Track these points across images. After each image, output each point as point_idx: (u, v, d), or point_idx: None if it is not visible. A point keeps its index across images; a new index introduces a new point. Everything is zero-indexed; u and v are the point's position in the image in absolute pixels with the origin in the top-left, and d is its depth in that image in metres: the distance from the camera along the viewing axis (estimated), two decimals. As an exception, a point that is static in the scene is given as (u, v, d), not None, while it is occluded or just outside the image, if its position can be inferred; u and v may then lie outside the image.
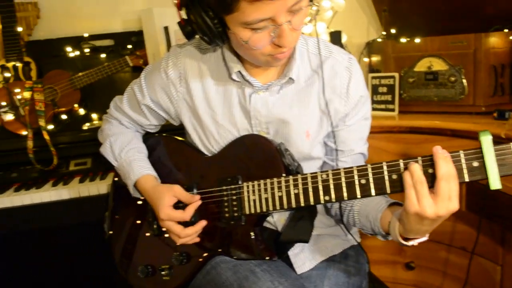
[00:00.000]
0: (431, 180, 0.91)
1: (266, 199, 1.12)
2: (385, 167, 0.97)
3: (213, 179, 1.23)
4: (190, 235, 1.21)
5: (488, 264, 1.80)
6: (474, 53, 1.90)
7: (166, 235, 1.29)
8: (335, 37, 2.24)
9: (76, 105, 2.16)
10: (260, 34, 1.00)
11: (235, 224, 1.18)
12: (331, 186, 1.03)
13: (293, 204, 1.08)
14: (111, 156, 1.37)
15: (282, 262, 1.22)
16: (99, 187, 1.88)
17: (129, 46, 2.34)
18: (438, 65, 2.00)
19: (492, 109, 1.87)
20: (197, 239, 1.23)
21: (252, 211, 1.15)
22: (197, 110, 1.26)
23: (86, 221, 1.82)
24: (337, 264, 1.30)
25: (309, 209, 1.20)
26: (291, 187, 1.08)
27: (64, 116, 2.14)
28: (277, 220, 1.28)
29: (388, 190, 0.97)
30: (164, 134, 1.44)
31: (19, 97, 2.06)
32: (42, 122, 1.99)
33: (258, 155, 1.18)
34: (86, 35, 2.34)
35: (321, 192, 1.05)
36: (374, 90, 2.19)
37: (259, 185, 1.14)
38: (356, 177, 1.00)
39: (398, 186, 0.96)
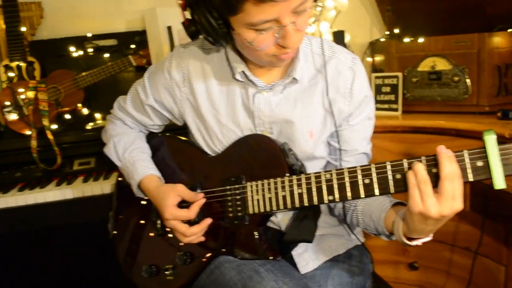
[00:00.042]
0: (435, 179, 0.91)
1: (270, 199, 1.12)
2: (388, 167, 0.97)
3: (216, 179, 1.23)
4: (195, 234, 1.21)
5: (491, 264, 1.80)
6: (478, 53, 1.90)
7: (170, 235, 1.29)
8: (338, 37, 2.24)
9: (79, 105, 2.17)
10: (264, 35, 1.00)
11: (238, 224, 1.18)
12: (335, 186, 1.03)
13: (297, 204, 1.08)
14: (115, 156, 1.37)
15: (285, 262, 1.22)
16: (103, 186, 1.89)
17: (133, 46, 2.35)
18: (442, 65, 2.00)
19: (496, 109, 1.86)
20: (202, 238, 1.23)
21: (256, 211, 1.15)
22: (201, 110, 1.26)
23: (89, 221, 1.82)
24: (340, 264, 1.29)
25: (313, 209, 1.20)
26: (295, 187, 1.08)
27: (67, 116, 2.15)
28: (281, 220, 1.28)
29: (392, 190, 0.97)
30: (167, 134, 1.44)
31: (23, 96, 2.07)
32: (45, 122, 1.99)
33: (262, 155, 1.18)
34: (89, 35, 2.34)
35: (324, 192, 1.05)
36: (378, 90, 2.18)
37: (262, 184, 1.14)
38: (360, 177, 1.00)
39: (402, 186, 0.95)
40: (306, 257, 1.28)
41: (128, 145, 1.36)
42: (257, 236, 1.17)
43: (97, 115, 2.18)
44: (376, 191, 0.98)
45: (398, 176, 0.96)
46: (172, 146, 1.39)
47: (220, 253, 1.22)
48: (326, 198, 1.04)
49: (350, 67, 1.23)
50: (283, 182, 1.10)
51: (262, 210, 1.14)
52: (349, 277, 1.26)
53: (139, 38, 2.36)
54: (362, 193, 1.00)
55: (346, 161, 1.28)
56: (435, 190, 0.90)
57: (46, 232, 2.07)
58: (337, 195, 1.03)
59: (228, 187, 1.20)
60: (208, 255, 1.23)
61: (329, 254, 1.31)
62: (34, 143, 1.96)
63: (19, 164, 2.01)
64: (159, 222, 1.30)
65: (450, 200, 0.88)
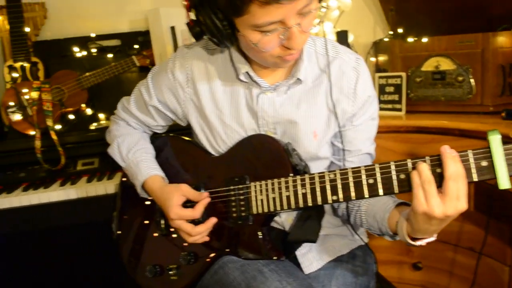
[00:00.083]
0: (439, 179, 0.91)
1: (274, 199, 1.12)
2: (393, 167, 0.97)
3: (220, 179, 1.23)
4: (201, 233, 1.21)
5: (496, 265, 1.79)
6: (482, 53, 1.89)
7: (174, 235, 1.29)
8: (342, 37, 2.23)
9: (83, 105, 2.17)
10: (269, 36, 1.00)
11: (242, 224, 1.19)
12: (339, 186, 1.03)
13: (301, 204, 1.08)
14: (119, 157, 1.38)
15: (289, 262, 1.22)
16: (107, 186, 1.89)
17: (136, 46, 2.35)
18: (446, 64, 1.99)
19: (500, 109, 1.85)
20: (207, 238, 1.23)
21: (260, 211, 1.15)
22: (204, 110, 1.27)
23: (93, 221, 1.83)
24: (344, 264, 1.29)
25: (317, 209, 1.20)
26: (299, 187, 1.08)
27: (71, 116, 2.15)
28: (285, 220, 1.28)
29: (396, 190, 0.97)
30: (171, 134, 1.44)
31: (27, 97, 2.08)
32: (49, 122, 1.99)
33: (266, 155, 1.18)
34: (93, 35, 2.35)
35: (328, 192, 1.05)
36: (381, 90, 2.18)
37: (266, 185, 1.14)
38: (364, 177, 1.00)
39: (406, 186, 0.95)
40: (310, 257, 1.28)
41: (132, 146, 1.36)
42: (261, 236, 1.17)
43: (101, 115, 2.19)
44: (380, 191, 0.98)
45: (402, 176, 0.96)
46: (176, 146, 1.40)
47: (224, 253, 1.22)
48: (330, 198, 1.04)
49: (354, 67, 1.23)
50: (287, 182, 1.10)
51: (266, 210, 1.14)
52: (353, 277, 1.26)
53: (143, 38, 2.37)
54: (366, 193, 1.00)
55: (349, 161, 1.28)
56: (439, 190, 0.90)
57: (50, 232, 2.07)
58: (341, 195, 1.03)
59: (232, 187, 1.20)
60: (212, 255, 1.23)
61: (333, 254, 1.31)
62: (38, 143, 1.96)
63: (23, 164, 2.01)
64: (163, 222, 1.30)
65: (455, 200, 0.88)
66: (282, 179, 1.11)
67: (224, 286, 1.13)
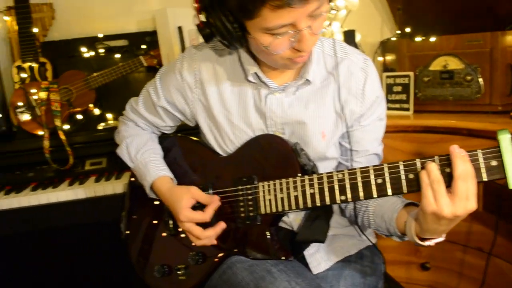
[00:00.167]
0: (448, 179, 0.90)
1: (282, 199, 1.12)
2: (401, 167, 0.96)
3: (228, 179, 1.23)
4: (210, 237, 1.21)
5: (505, 266, 1.78)
6: (491, 52, 1.88)
7: (182, 235, 1.30)
8: (349, 36, 2.23)
9: (91, 105, 2.18)
10: (280, 39, 1.00)
11: (250, 224, 1.19)
12: (347, 186, 1.03)
13: (309, 204, 1.08)
14: (128, 157, 1.38)
15: (298, 262, 1.22)
16: (115, 186, 1.90)
17: (143, 46, 2.36)
18: (454, 64, 1.98)
19: (509, 108, 1.84)
20: (215, 241, 1.23)
21: (268, 211, 1.15)
22: (212, 111, 1.27)
23: (101, 221, 1.84)
24: (352, 264, 1.29)
25: (325, 209, 1.20)
26: (307, 187, 1.08)
27: (79, 116, 2.16)
28: (293, 220, 1.28)
29: (405, 190, 0.96)
30: (179, 135, 1.45)
31: (35, 97, 2.09)
32: (58, 122, 2.01)
33: (274, 155, 1.18)
34: (100, 35, 2.36)
35: (337, 192, 1.04)
36: (389, 90, 2.17)
37: (274, 185, 1.14)
38: (372, 177, 1.00)
39: (415, 186, 0.95)
40: (318, 258, 1.28)
41: (140, 147, 1.37)
42: (269, 236, 1.17)
43: (109, 115, 2.19)
44: (389, 191, 0.98)
45: (411, 175, 0.95)
46: (184, 146, 1.40)
47: (232, 253, 1.22)
48: (338, 198, 1.04)
49: (362, 68, 1.23)
50: (295, 182, 1.10)
51: (274, 210, 1.14)
52: (361, 278, 1.26)
53: (150, 38, 2.38)
54: (374, 193, 1.00)
55: (357, 161, 1.28)
56: (448, 190, 0.90)
57: (59, 231, 2.08)
58: (349, 195, 1.03)
59: (240, 187, 1.20)
60: (220, 255, 1.23)
61: (341, 255, 1.31)
62: (46, 143, 1.97)
63: (32, 164, 2.03)
64: (171, 222, 1.31)
65: (464, 200, 0.88)
66: (290, 179, 1.11)
67: (233, 286, 1.13)
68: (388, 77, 2.18)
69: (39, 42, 2.32)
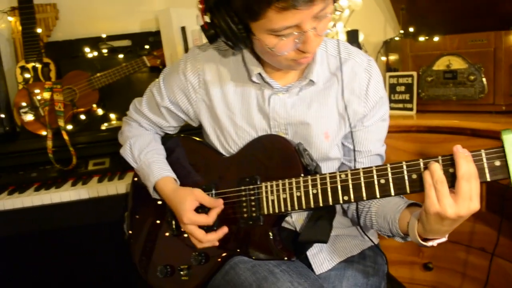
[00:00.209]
0: (452, 179, 0.90)
1: (285, 199, 1.12)
2: (404, 167, 0.96)
3: (231, 180, 1.23)
4: (211, 241, 1.21)
5: (508, 266, 1.78)
6: (494, 52, 1.88)
7: (185, 235, 1.30)
8: (352, 36, 2.23)
9: (94, 105, 2.19)
10: (285, 40, 1.00)
11: (253, 224, 1.18)
12: (350, 186, 1.03)
13: (312, 205, 1.08)
14: (131, 158, 1.38)
15: (300, 263, 1.22)
16: (118, 186, 1.90)
17: (147, 47, 2.36)
18: (457, 63, 1.98)
19: (512, 108, 1.85)
20: (216, 243, 1.23)
21: (271, 211, 1.15)
22: (216, 111, 1.27)
23: (104, 221, 1.84)
24: (355, 265, 1.29)
25: (328, 209, 1.19)
26: (310, 187, 1.08)
27: (82, 116, 2.16)
28: (296, 220, 1.28)
29: (408, 190, 0.96)
30: (182, 135, 1.45)
31: (38, 97, 2.10)
32: (61, 122, 2.01)
33: (277, 155, 1.18)
34: (104, 35, 2.36)
35: (340, 192, 1.04)
36: (392, 89, 2.17)
37: (277, 185, 1.14)
38: (375, 177, 0.99)
39: (418, 186, 0.95)
40: (321, 258, 1.28)
41: (143, 147, 1.37)
42: (272, 237, 1.17)
43: (112, 116, 2.20)
44: (392, 191, 0.98)
45: (414, 176, 0.95)
46: (187, 147, 1.40)
47: (235, 254, 1.22)
48: (341, 198, 1.04)
49: (366, 68, 1.23)
50: (298, 182, 1.10)
51: (277, 210, 1.14)
52: (364, 278, 1.26)
53: (153, 38, 2.38)
54: (377, 193, 0.99)
55: (359, 162, 1.28)
56: (451, 190, 0.90)
57: (62, 231, 2.08)
58: (352, 196, 1.03)
59: (243, 188, 1.20)
60: (223, 255, 1.23)
61: (343, 255, 1.31)
62: (49, 143, 1.98)
63: (35, 164, 2.03)
64: (174, 222, 1.31)
65: (467, 200, 0.88)
66: (293, 180, 1.11)
67: (235, 286, 1.13)
68: (391, 77, 2.18)
69: (42, 42, 2.32)
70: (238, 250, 1.21)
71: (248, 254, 1.20)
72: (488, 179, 0.89)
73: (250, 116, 1.24)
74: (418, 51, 2.10)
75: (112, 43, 2.38)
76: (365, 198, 1.01)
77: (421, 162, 0.94)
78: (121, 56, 2.32)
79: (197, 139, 1.39)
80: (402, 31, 2.28)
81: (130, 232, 1.45)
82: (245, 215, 1.19)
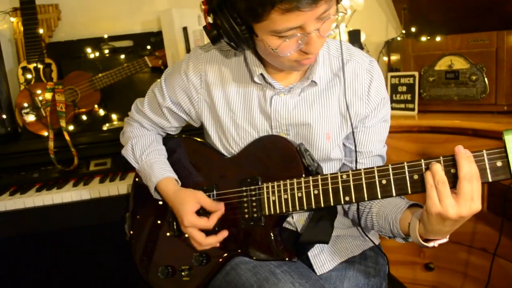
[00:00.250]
0: (453, 180, 0.90)
1: (286, 200, 1.12)
2: (406, 167, 0.96)
3: (232, 180, 1.23)
4: (211, 244, 1.22)
5: (509, 266, 1.77)
6: (496, 52, 1.87)
7: (186, 236, 1.30)
8: (354, 36, 2.23)
9: (96, 106, 2.19)
10: (288, 42, 1.00)
11: (254, 225, 1.18)
12: (352, 187, 1.02)
13: (313, 205, 1.08)
14: (133, 158, 1.38)
15: (302, 263, 1.22)
16: (119, 187, 1.90)
17: (148, 47, 2.36)
18: (459, 63, 1.98)
19: (514, 108, 1.84)
20: (217, 245, 1.23)
21: (272, 212, 1.15)
22: (217, 112, 1.27)
23: (106, 221, 1.84)
24: (356, 265, 1.29)
25: (329, 210, 1.19)
26: (311, 188, 1.08)
27: (84, 117, 2.17)
28: (297, 220, 1.28)
29: (409, 191, 0.96)
30: (184, 136, 1.45)
31: (40, 98, 2.10)
32: (62, 123, 2.01)
33: (278, 156, 1.18)
34: (105, 36, 2.36)
35: (341, 193, 1.04)
36: (394, 90, 2.17)
37: (278, 185, 1.13)
38: (376, 178, 0.99)
39: (419, 187, 0.95)
40: (322, 258, 1.27)
41: (145, 148, 1.37)
42: (273, 237, 1.17)
43: (113, 116, 2.20)
44: (394, 192, 0.98)
45: (416, 176, 0.95)
46: (189, 147, 1.40)
47: (236, 254, 1.22)
48: (342, 199, 1.04)
49: (368, 69, 1.23)
50: (299, 183, 1.10)
51: (278, 211, 1.14)
52: (365, 279, 1.26)
53: (155, 39, 2.38)
54: (379, 193, 0.99)
55: (360, 163, 1.28)
56: (453, 191, 0.89)
57: (64, 232, 2.08)
58: (353, 196, 1.03)
59: (244, 188, 1.20)
60: (224, 255, 1.23)
61: (344, 255, 1.31)
62: (51, 144, 1.98)
63: (37, 165, 2.03)
64: (175, 223, 1.31)
65: (469, 201, 0.88)
66: (295, 180, 1.11)
67: (236, 287, 1.13)
68: (393, 77, 2.18)
69: (44, 43, 2.33)
70: (239, 251, 1.21)
71: (249, 254, 1.20)
72: (490, 179, 0.89)
73: (251, 117, 1.24)
74: (420, 51, 2.10)
75: (114, 44, 2.38)
76: (366, 199, 1.01)
77: (423, 162, 0.94)
78: (122, 56, 2.32)
79: (199, 139, 1.40)
80: (404, 31, 2.27)
81: (131, 232, 1.45)
82: (246, 216, 1.19)
